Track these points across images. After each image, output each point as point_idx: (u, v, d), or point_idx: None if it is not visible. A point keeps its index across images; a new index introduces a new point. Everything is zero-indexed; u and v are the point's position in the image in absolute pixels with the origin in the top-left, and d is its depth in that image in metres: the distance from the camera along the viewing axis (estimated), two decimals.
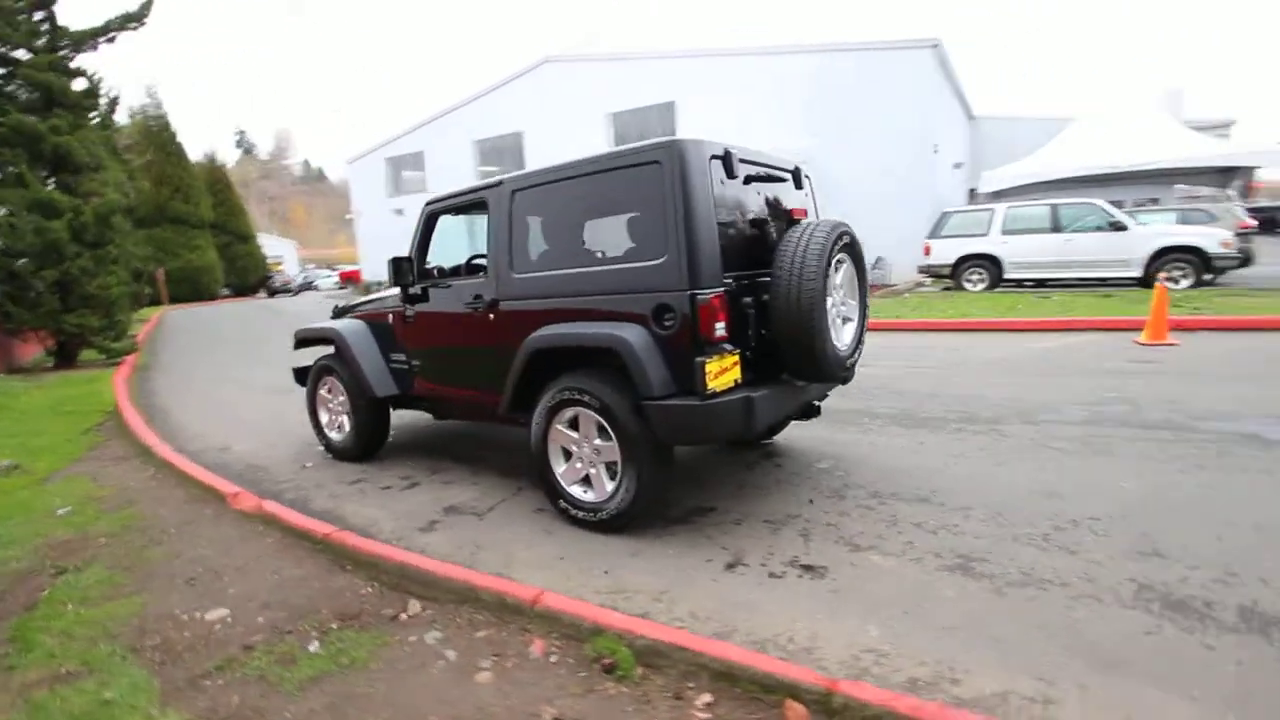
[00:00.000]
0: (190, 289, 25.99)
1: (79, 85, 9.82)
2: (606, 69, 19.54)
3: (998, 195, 15.31)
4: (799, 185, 3.63)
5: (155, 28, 10.31)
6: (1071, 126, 16.85)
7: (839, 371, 3.16)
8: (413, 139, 24.72)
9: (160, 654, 2.29)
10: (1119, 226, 10.87)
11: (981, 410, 4.87)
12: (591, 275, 3.12)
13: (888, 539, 2.93)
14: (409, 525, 3.40)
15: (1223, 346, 6.54)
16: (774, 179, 3.39)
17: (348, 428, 4.58)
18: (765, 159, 3.36)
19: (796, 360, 3.02)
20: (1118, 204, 12.35)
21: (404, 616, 2.48)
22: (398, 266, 3.90)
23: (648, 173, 2.86)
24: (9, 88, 9.17)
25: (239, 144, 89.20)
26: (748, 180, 3.16)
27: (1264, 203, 23.89)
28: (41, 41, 9.46)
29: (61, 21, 9.61)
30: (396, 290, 4.49)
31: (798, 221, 3.38)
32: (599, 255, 3.20)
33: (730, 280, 2.87)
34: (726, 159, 2.95)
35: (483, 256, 4.26)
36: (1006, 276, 11.92)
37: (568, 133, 20.01)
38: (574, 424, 3.19)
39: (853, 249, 3.26)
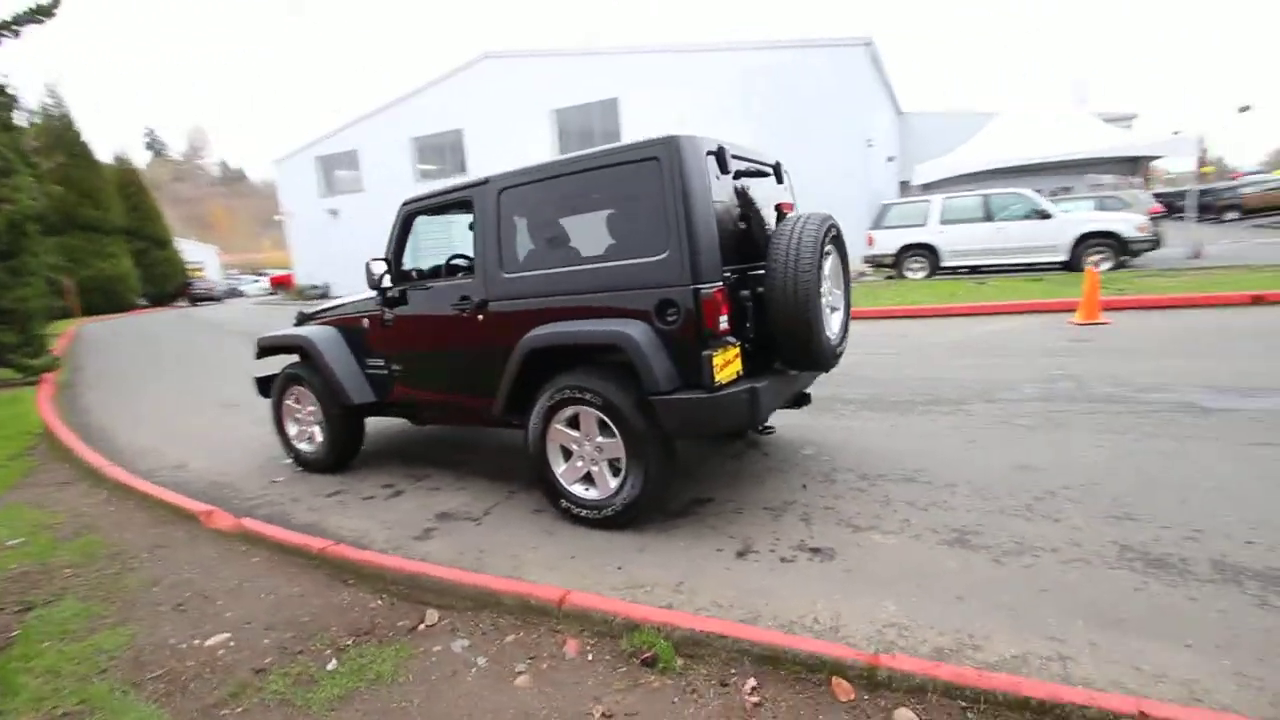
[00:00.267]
0: (104, 300, 24.16)
1: None
2: (548, 65, 19.35)
3: (928, 187, 16.04)
4: (780, 180, 3.71)
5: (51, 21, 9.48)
6: (995, 121, 17.76)
7: (830, 360, 3.26)
8: (345, 137, 23.80)
9: (165, 685, 2.16)
10: (1045, 215, 11.58)
11: (944, 392, 5.11)
12: (587, 273, 3.10)
13: (885, 518, 3.05)
14: (403, 534, 3.31)
15: (1148, 324, 7.08)
16: (759, 174, 3.46)
17: (319, 438, 4.40)
18: (750, 154, 3.42)
19: (792, 350, 3.10)
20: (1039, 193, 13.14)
21: (422, 627, 2.42)
22: (374, 269, 3.76)
23: (645, 169, 2.87)
24: None
25: (149, 144, 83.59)
26: (736, 175, 3.21)
27: (1160, 189, 25.89)
28: None
29: None
30: (367, 294, 4.35)
31: (785, 215, 3.47)
32: (594, 253, 3.19)
33: (729, 274, 2.92)
34: (720, 154, 2.99)
35: (463, 256, 4.19)
36: (944, 264, 12.51)
37: (510, 129, 19.73)
38: (573, 422, 3.18)
39: (839, 241, 3.37)
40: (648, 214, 2.91)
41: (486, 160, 20.22)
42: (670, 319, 2.84)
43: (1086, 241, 11.25)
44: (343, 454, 4.38)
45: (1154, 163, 23.02)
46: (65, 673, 2.25)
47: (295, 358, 4.59)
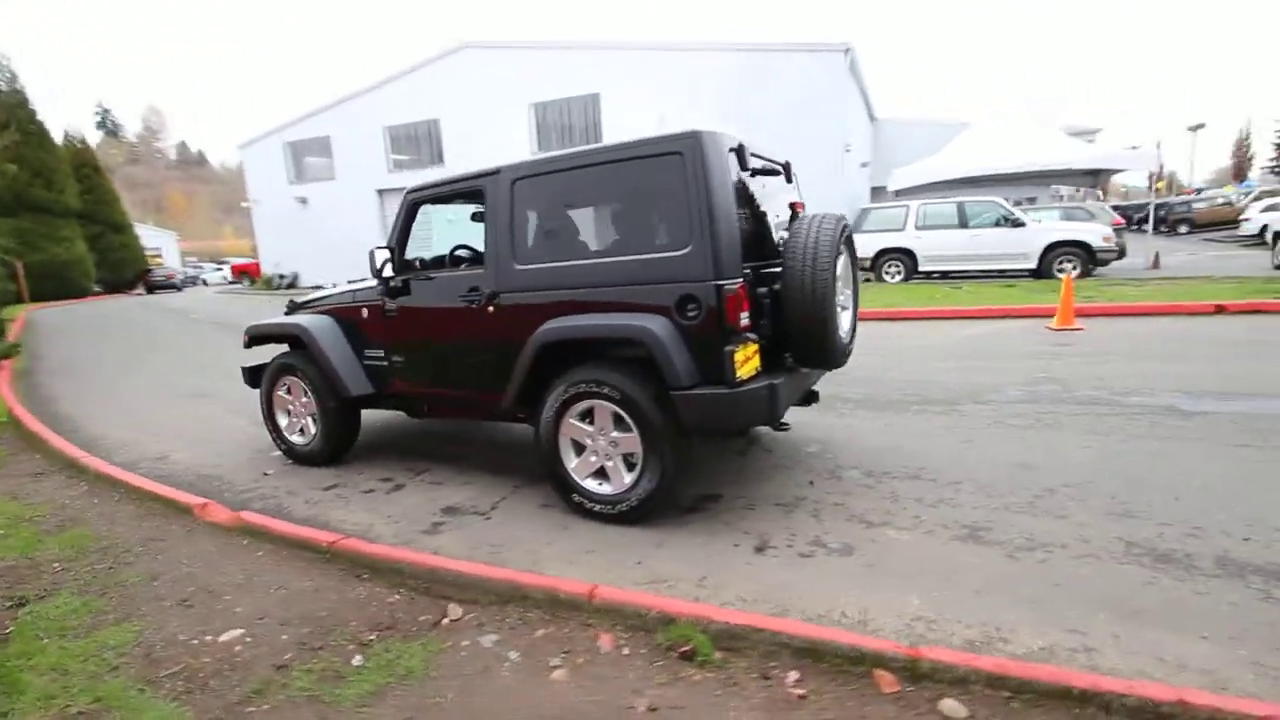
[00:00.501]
0: (57, 285, 23.04)
1: None
2: (529, 57, 19.15)
3: (900, 193, 16.38)
4: (789, 179, 3.74)
5: None
6: (967, 130, 18.24)
7: (841, 358, 3.31)
8: (317, 122, 23.19)
9: (183, 683, 2.08)
10: (1017, 223, 11.92)
11: (934, 393, 5.23)
12: (604, 266, 3.08)
13: (896, 515, 3.10)
14: (410, 529, 3.25)
15: (1120, 330, 7.35)
16: (772, 172, 3.48)
17: (313, 430, 4.29)
18: (763, 153, 3.44)
19: (807, 347, 3.13)
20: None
21: (446, 621, 2.38)
22: (378, 257, 3.67)
23: (668, 163, 2.86)
24: None
25: (101, 124, 80.00)
26: (752, 173, 3.23)
27: (1115, 202, 26.90)
28: None
29: None
30: (363, 282, 4.25)
31: (798, 214, 3.50)
32: (611, 246, 3.17)
33: (748, 270, 2.93)
34: (740, 152, 3.01)
35: (466, 247, 4.13)
36: (920, 269, 12.78)
37: (488, 121, 19.49)
38: (587, 417, 3.16)
39: (850, 241, 3.41)
40: (669, 208, 2.91)
41: (464, 152, 19.96)
42: (691, 314, 2.84)
43: (1056, 250, 11.62)
44: (338, 447, 4.27)
45: (1113, 177, 23.95)
46: (73, 670, 2.15)
47: (285, 347, 4.47)
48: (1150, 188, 20.77)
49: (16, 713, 1.94)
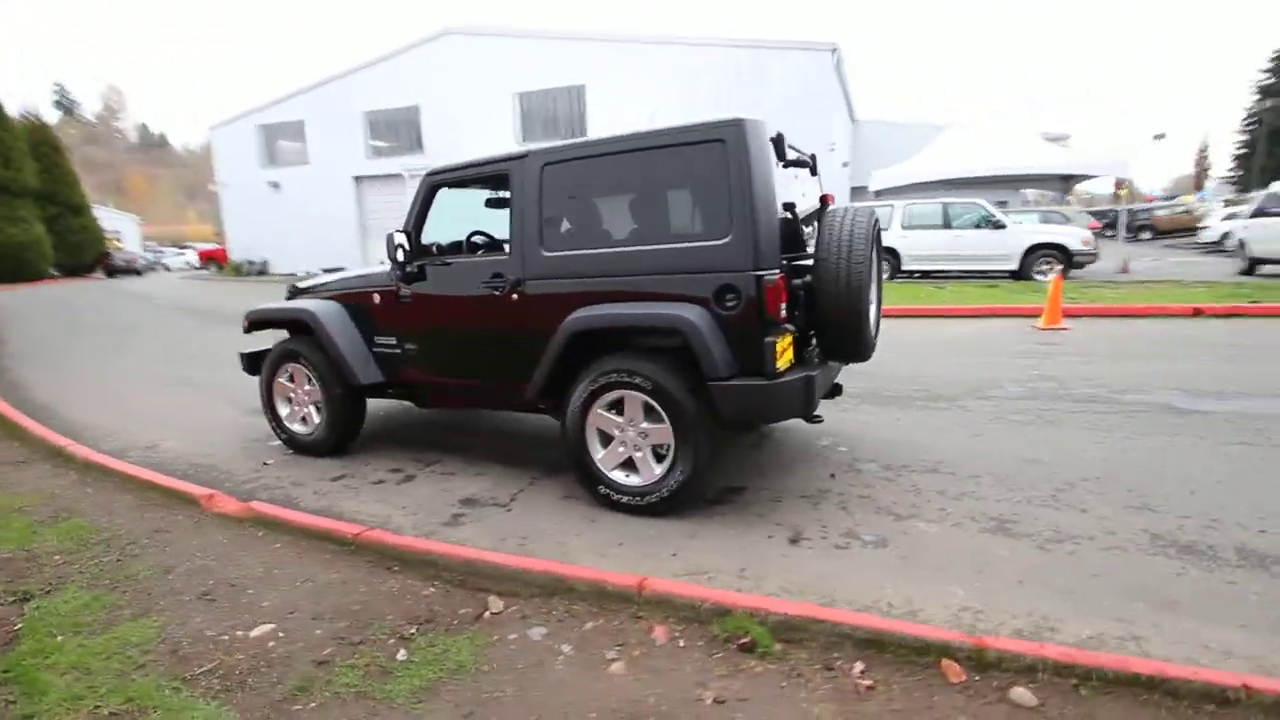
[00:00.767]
0: (13, 268, 21.97)
1: None
2: (513, 45, 18.90)
3: (880, 194, 16.59)
4: (814, 172, 3.73)
5: None
6: (946, 133, 18.53)
7: (870, 351, 3.32)
8: (292, 106, 22.56)
9: (220, 681, 1.98)
10: (999, 225, 12.17)
11: (936, 389, 5.29)
12: (637, 255, 3.03)
13: (922, 507, 3.12)
14: (430, 520, 3.16)
15: (1104, 330, 7.55)
16: (801, 164, 3.47)
17: (317, 419, 4.15)
18: (793, 144, 3.42)
19: (840, 340, 3.13)
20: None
21: (488, 615, 2.31)
22: (396, 241, 3.55)
23: (710, 151, 2.82)
24: None
25: (58, 102, 76.52)
26: (785, 165, 3.21)
27: (1076, 208, 27.74)
28: None
29: None
30: (374, 268, 4.13)
31: (828, 206, 3.49)
32: (644, 234, 3.11)
33: (784, 261, 2.91)
34: (779, 142, 2.98)
35: (481, 233, 4.04)
36: (903, 268, 12.97)
37: (471, 110, 19.19)
38: (615, 407, 3.11)
39: (878, 236, 3.41)
40: (709, 196, 2.88)
41: (445, 140, 19.61)
42: (729, 304, 2.81)
43: (1036, 252, 11.90)
44: (343, 436, 4.15)
45: (1081, 184, 24.67)
46: (96, 669, 2.03)
47: (285, 333, 4.33)
48: (1115, 194, 21.49)
49: (42, 715, 1.82)
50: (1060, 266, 11.73)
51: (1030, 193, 20.51)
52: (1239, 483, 3.26)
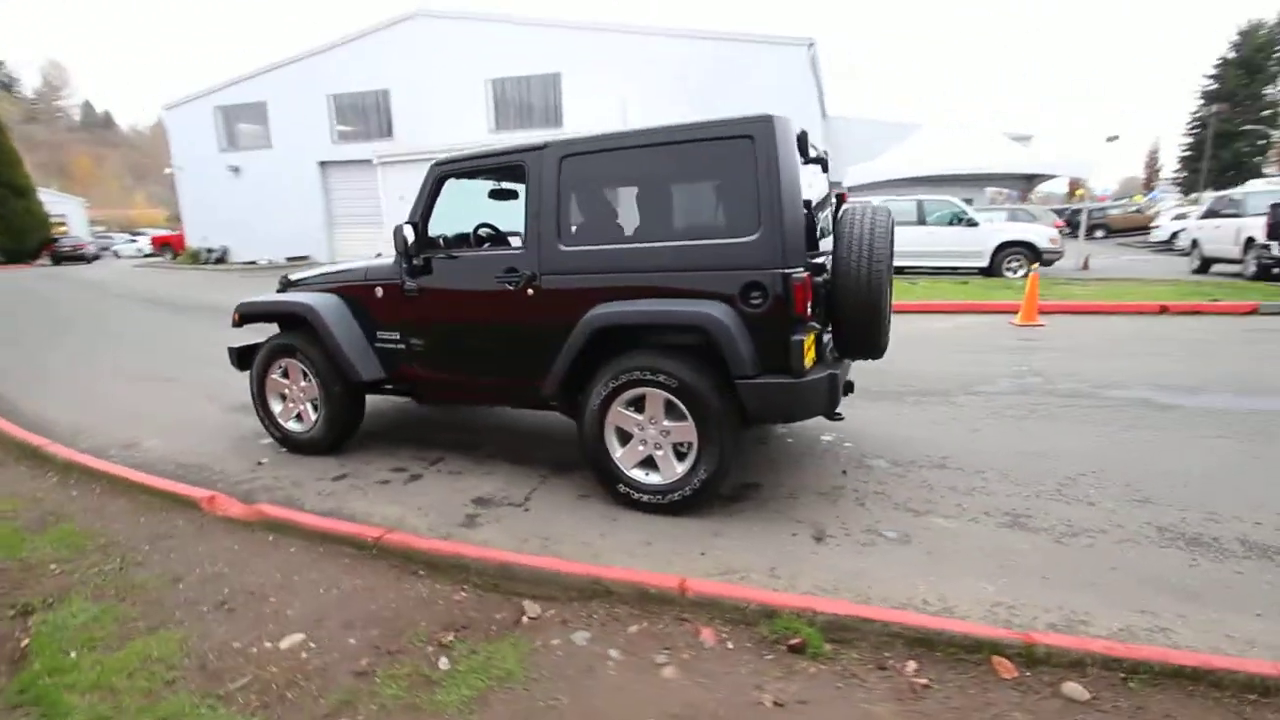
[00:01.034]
0: None
1: None
2: (486, 30, 18.50)
3: (852, 190, 16.79)
4: (825, 169, 3.75)
5: None
6: (918, 132, 18.86)
7: (884, 348, 3.35)
8: (253, 86, 21.70)
9: (257, 696, 1.90)
10: (971, 223, 12.47)
11: (926, 384, 5.40)
12: (659, 250, 3.00)
13: (937, 503, 3.18)
14: (447, 522, 3.09)
15: (1078, 326, 7.80)
16: (817, 161, 3.47)
17: (313, 416, 4.02)
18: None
19: (859, 338, 3.16)
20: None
21: (525, 620, 2.27)
22: (404, 233, 3.44)
23: (737, 147, 2.80)
24: None
25: None
26: (806, 162, 3.21)
27: (1033, 206, 28.68)
28: None
29: None
30: (374, 261, 4.00)
31: (844, 204, 3.51)
32: (667, 230, 3.08)
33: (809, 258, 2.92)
34: (803, 139, 2.98)
35: (488, 226, 3.95)
36: None
37: (443, 95, 18.76)
38: (635, 405, 3.08)
39: (893, 233, 3.44)
40: (736, 193, 2.86)
41: (416, 126, 19.14)
42: (755, 302, 2.80)
43: (1005, 250, 12.23)
44: (341, 434, 4.02)
45: (1042, 184, 25.42)
46: (120, 688, 1.92)
47: (275, 328, 4.17)
48: (1069, 194, 22.21)
49: None
50: (1030, 264, 12.08)
51: (990, 191, 21.09)
52: (1225, 475, 3.40)
